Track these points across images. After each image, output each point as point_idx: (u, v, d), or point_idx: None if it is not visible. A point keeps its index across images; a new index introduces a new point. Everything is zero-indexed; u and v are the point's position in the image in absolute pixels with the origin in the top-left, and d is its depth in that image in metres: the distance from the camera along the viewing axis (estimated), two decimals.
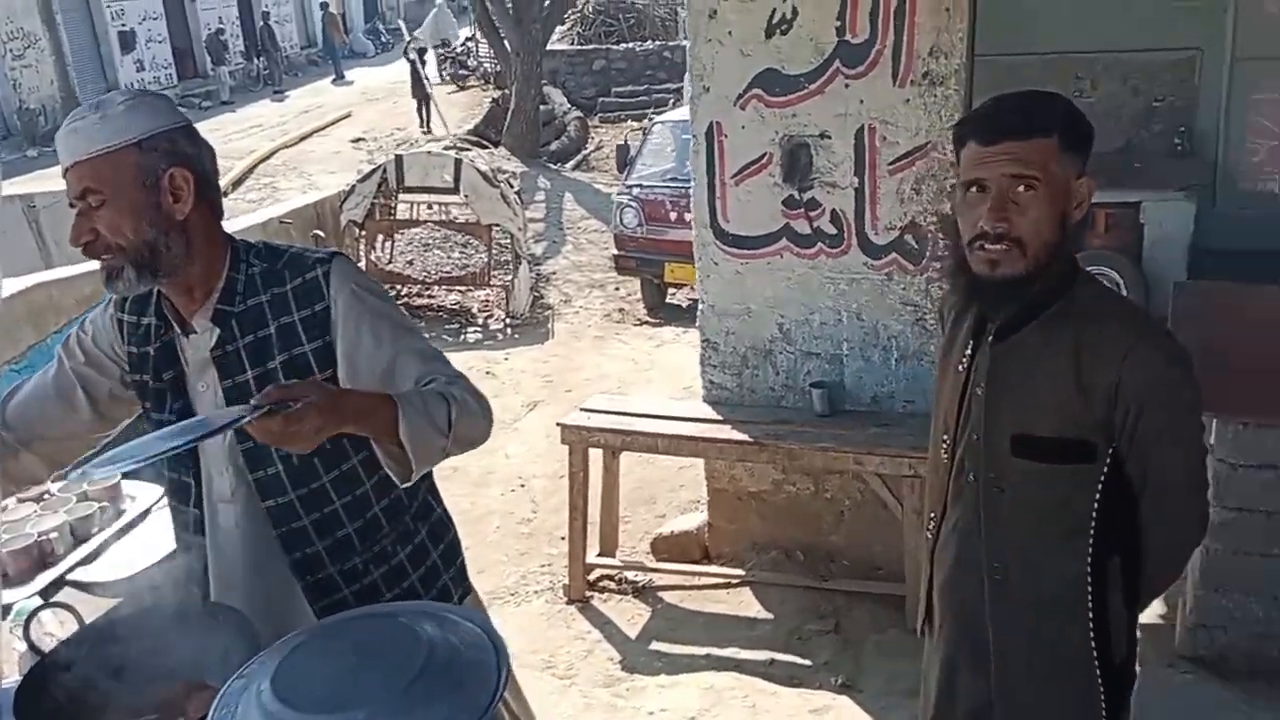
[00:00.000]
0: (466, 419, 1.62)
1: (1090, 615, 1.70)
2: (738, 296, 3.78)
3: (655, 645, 3.63)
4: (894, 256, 3.54)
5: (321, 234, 7.63)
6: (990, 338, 1.70)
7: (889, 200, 3.48)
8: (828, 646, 3.54)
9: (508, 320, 8.09)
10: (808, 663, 3.47)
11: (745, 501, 4.11)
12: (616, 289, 8.87)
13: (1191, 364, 1.64)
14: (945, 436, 1.80)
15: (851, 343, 3.71)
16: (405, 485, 1.64)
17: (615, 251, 8.28)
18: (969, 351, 1.74)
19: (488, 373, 6.84)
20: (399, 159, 8.07)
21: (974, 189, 1.61)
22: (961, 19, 3.23)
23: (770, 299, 3.75)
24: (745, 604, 3.86)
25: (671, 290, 8.27)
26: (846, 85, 3.41)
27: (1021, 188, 1.57)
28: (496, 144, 13.50)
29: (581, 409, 4.06)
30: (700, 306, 3.91)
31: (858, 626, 3.64)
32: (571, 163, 13.61)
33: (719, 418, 3.83)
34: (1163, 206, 5.96)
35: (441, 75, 18.78)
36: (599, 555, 4.12)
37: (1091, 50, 6.68)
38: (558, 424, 3.94)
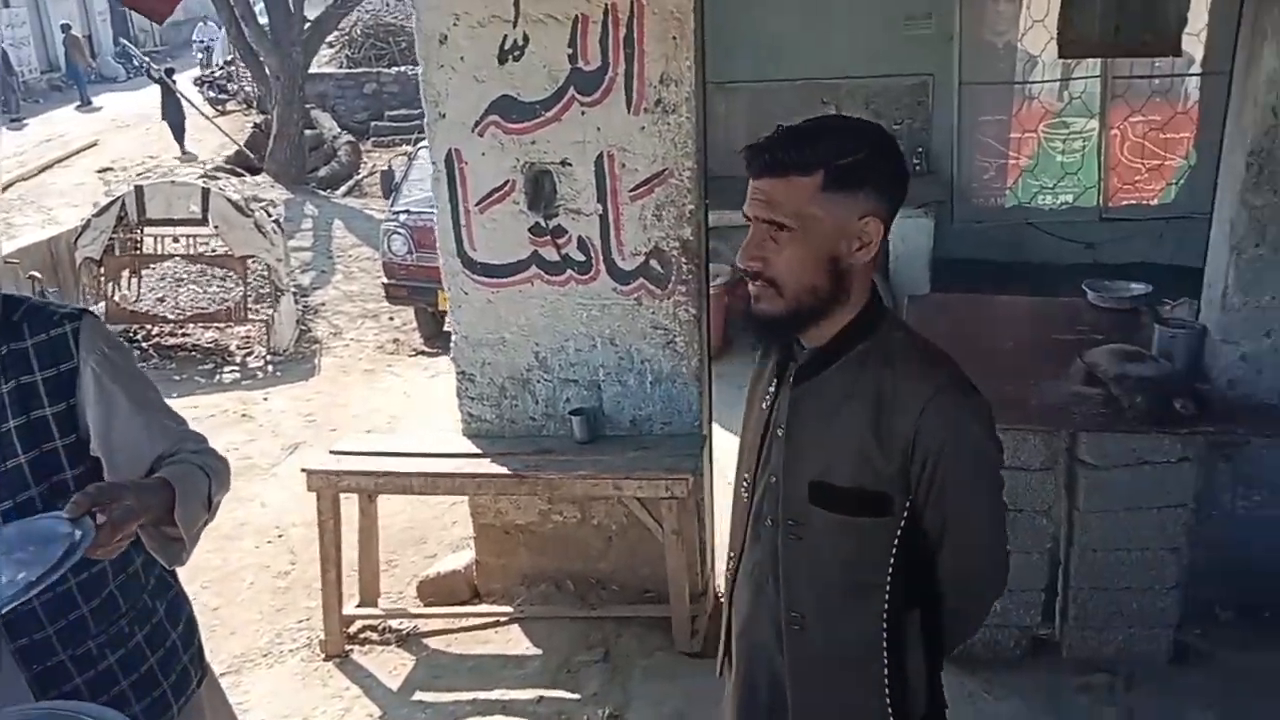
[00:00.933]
0: (221, 491, 1.61)
1: (886, 672, 1.64)
2: (491, 326, 3.70)
3: (419, 695, 3.48)
4: (641, 282, 3.55)
5: (38, 275, 6.95)
6: (791, 378, 1.63)
7: (633, 226, 3.49)
8: (596, 677, 3.50)
9: (269, 357, 7.68)
10: (576, 696, 3.41)
11: (513, 535, 4.02)
12: (391, 319, 8.60)
13: (992, 418, 1.59)
14: (746, 475, 1.74)
15: (608, 368, 3.69)
16: (174, 566, 1.60)
17: (385, 280, 8.03)
18: (772, 389, 1.67)
19: (244, 415, 6.45)
20: (139, 190, 7.52)
21: (748, 220, 1.57)
22: (689, 48, 3.28)
23: (524, 327, 3.69)
24: (514, 642, 3.76)
25: (447, 318, 8.09)
26: (583, 112, 3.39)
27: (774, 229, 1.51)
28: (259, 170, 12.87)
29: (331, 451, 3.85)
30: (454, 337, 3.80)
31: (626, 653, 3.62)
32: (343, 188, 13.15)
33: (479, 451, 3.72)
34: (905, 223, 6.31)
35: (203, 98, 17.78)
36: (359, 605, 3.92)
37: (835, 76, 7.04)
38: (302, 469, 3.72)
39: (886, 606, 1.61)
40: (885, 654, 1.63)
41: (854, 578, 1.62)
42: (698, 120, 3.37)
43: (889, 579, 1.60)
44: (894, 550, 1.59)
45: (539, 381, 3.76)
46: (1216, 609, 3.60)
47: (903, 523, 1.58)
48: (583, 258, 3.57)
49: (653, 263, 3.53)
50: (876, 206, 1.52)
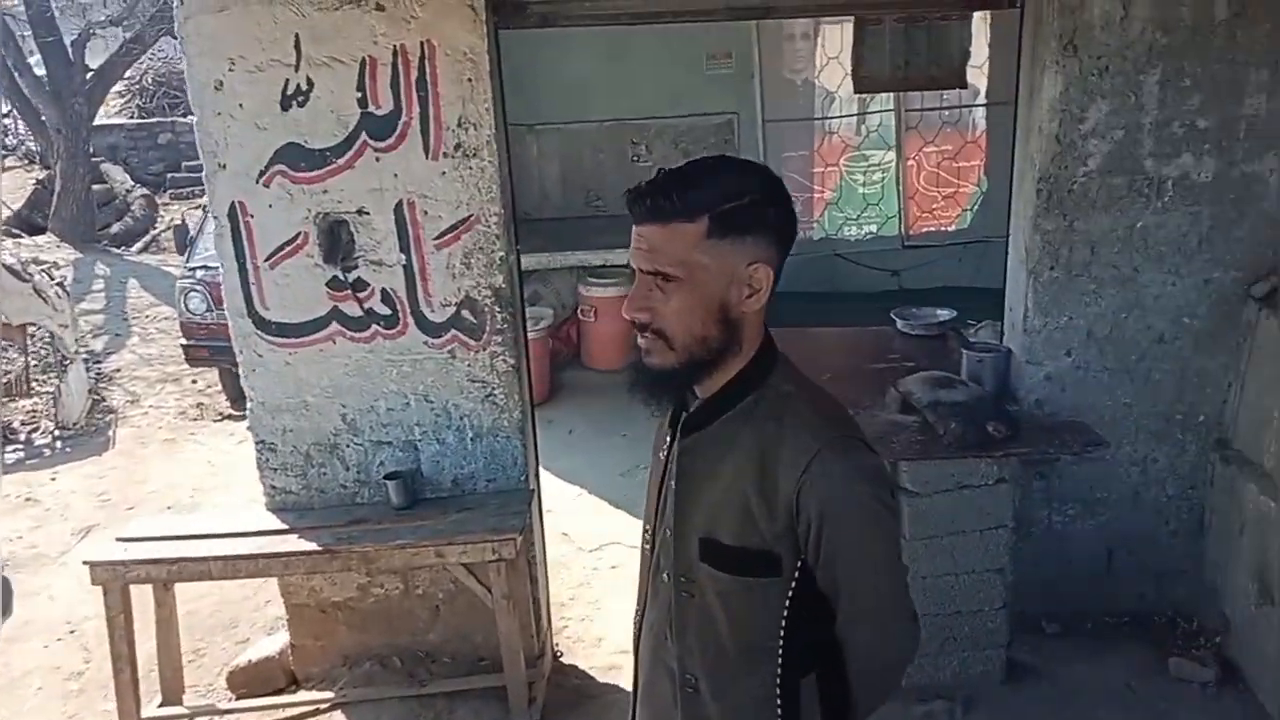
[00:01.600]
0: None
1: None
2: (291, 390, 3.42)
3: None
4: (453, 333, 3.37)
5: None
6: (681, 428, 1.56)
7: (440, 276, 3.31)
8: None
9: (58, 432, 7.00)
10: None
11: (330, 613, 3.72)
12: (193, 382, 8.01)
13: (883, 475, 1.51)
14: (647, 528, 1.67)
15: (424, 426, 3.48)
16: None
17: (184, 341, 7.47)
18: (669, 440, 1.60)
19: (29, 499, 5.84)
20: None
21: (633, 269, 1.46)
22: (486, 90, 3.15)
23: (328, 389, 3.43)
24: None
25: None
26: (378, 159, 3.20)
27: (659, 279, 1.42)
28: (44, 230, 11.90)
29: (118, 539, 3.47)
30: (249, 405, 3.50)
31: None
32: (137, 245, 12.29)
33: (285, 526, 3.42)
34: None
35: None
36: (162, 705, 3.53)
37: (643, 116, 7.07)
38: (84, 562, 3.33)
39: (780, 671, 1.53)
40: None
41: (745, 639, 1.54)
42: (501, 163, 3.24)
43: (781, 642, 1.52)
44: (785, 612, 1.51)
45: (349, 446, 3.51)
46: (1044, 624, 3.70)
47: (794, 584, 1.50)
48: (388, 311, 3.36)
49: (464, 313, 3.36)
50: (765, 252, 1.44)
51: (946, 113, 7.31)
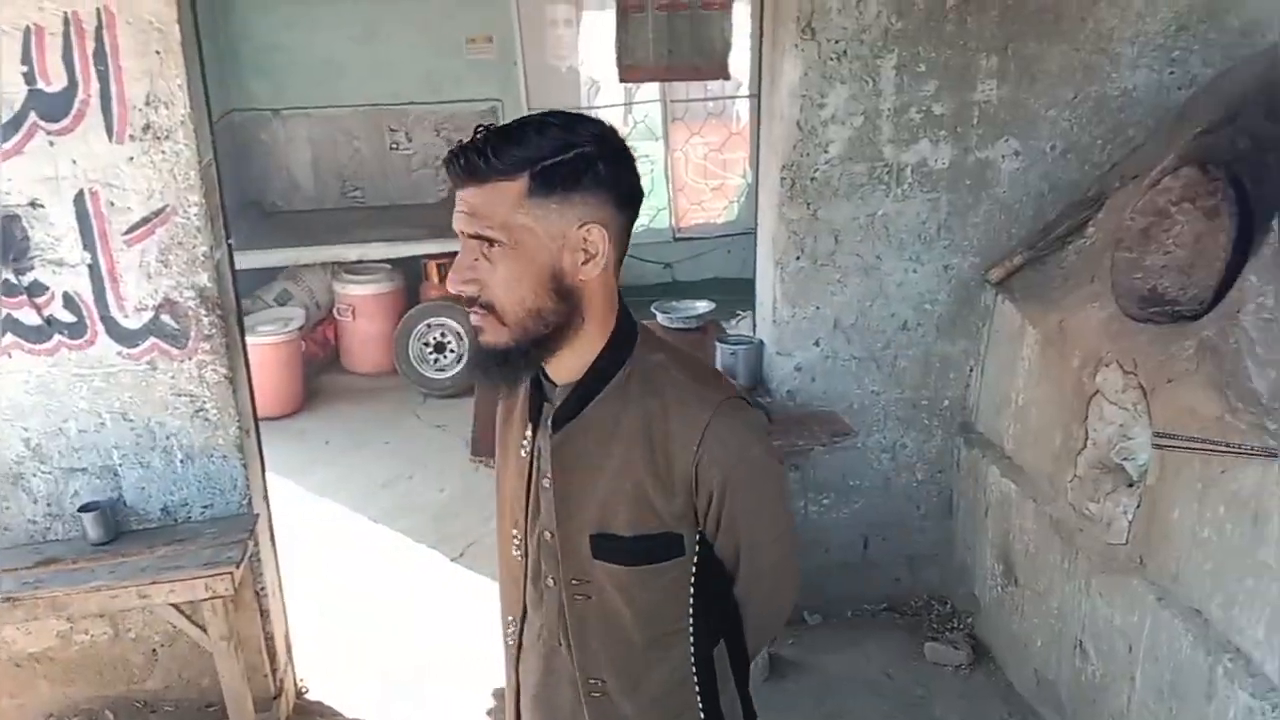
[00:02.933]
0: None
1: (701, 712, 1.52)
2: None
3: None
4: (153, 342, 2.96)
5: None
6: (549, 421, 1.44)
7: (133, 276, 2.90)
8: None
9: None
10: None
11: (27, 667, 3.24)
12: None
13: (768, 430, 1.52)
14: (515, 532, 1.54)
15: (124, 449, 3.05)
16: None
17: None
18: (529, 434, 1.48)
19: None
20: None
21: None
22: (178, 63, 2.76)
23: (6, 410, 2.95)
24: None
25: None
26: (51, 143, 2.76)
27: (484, 245, 1.30)
28: None
29: None
30: None
31: None
32: None
33: None
34: None
35: None
36: None
37: (401, 102, 6.70)
38: None
39: (693, 651, 1.50)
40: (699, 700, 1.52)
41: (655, 629, 1.48)
42: (201, 147, 2.86)
43: (691, 622, 1.48)
44: (692, 591, 1.47)
45: (35, 475, 3.04)
46: (805, 615, 3.67)
47: (695, 559, 1.46)
48: (73, 319, 2.91)
49: (164, 318, 2.95)
50: (599, 211, 1.32)
51: (711, 104, 7.33)
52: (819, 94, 3.15)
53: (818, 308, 3.37)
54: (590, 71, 7.05)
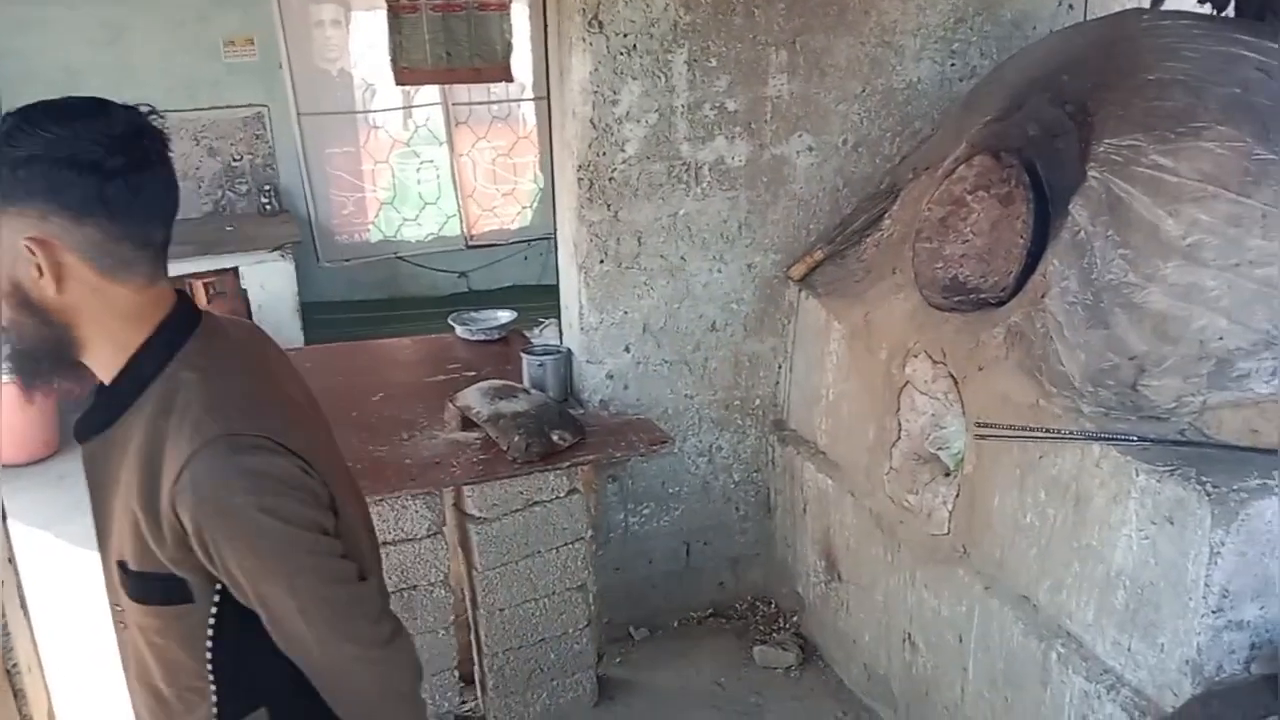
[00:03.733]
0: None
1: None
2: None
3: None
4: None
5: None
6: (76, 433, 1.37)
7: None
8: None
9: None
10: None
11: None
12: None
13: (274, 478, 1.23)
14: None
15: None
16: None
17: None
18: None
19: None
20: None
21: None
22: None
23: None
24: None
25: None
26: None
27: None
28: None
29: None
30: None
31: None
32: None
33: None
34: (262, 269, 5.65)
35: None
36: None
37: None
38: None
39: (215, 714, 1.33)
40: None
41: (177, 682, 1.34)
42: None
43: (212, 681, 1.32)
44: (209, 645, 1.30)
45: None
46: (632, 630, 3.54)
47: (214, 609, 1.29)
48: None
49: None
50: (49, 225, 1.19)
51: (495, 107, 7.10)
52: (611, 90, 3.01)
53: (625, 312, 3.24)
54: (364, 74, 6.66)
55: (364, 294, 6.87)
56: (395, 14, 6.11)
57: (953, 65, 3.33)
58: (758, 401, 3.50)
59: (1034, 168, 2.51)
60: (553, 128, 3.26)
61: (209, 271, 5.59)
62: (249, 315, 5.67)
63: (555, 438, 2.93)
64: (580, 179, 3.07)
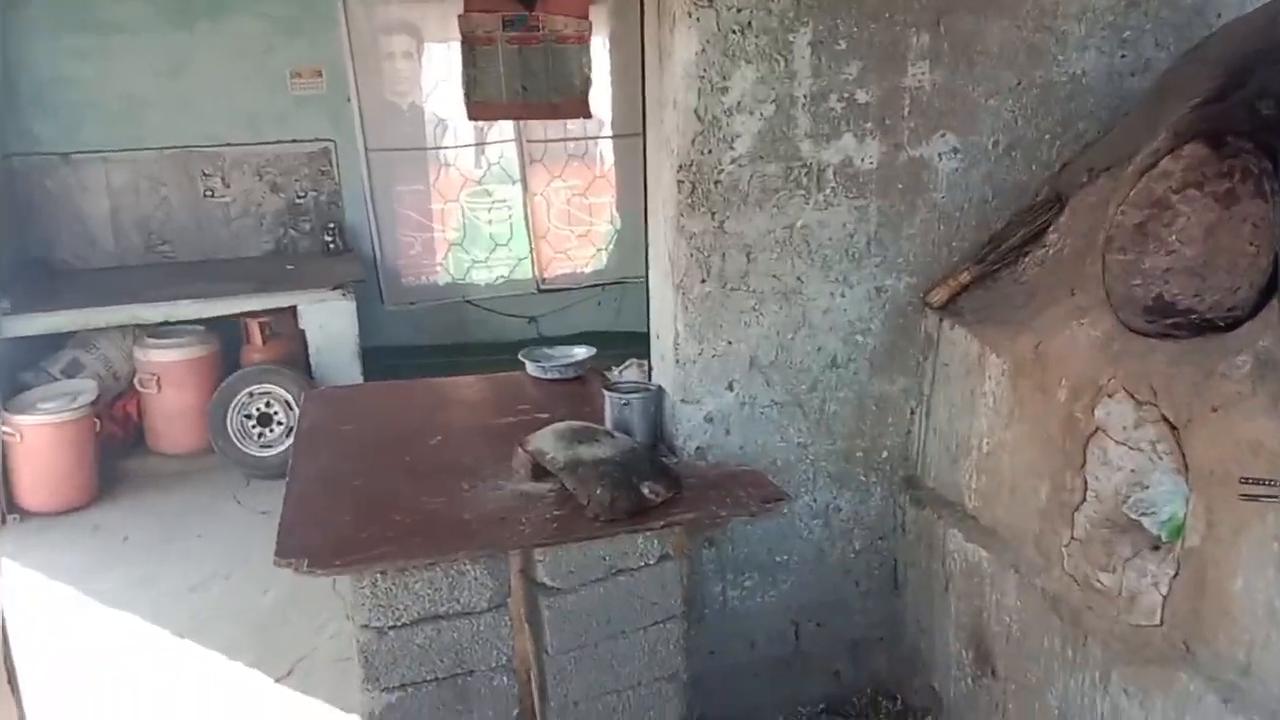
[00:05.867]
0: None
1: None
2: None
3: None
4: None
5: None
6: None
7: None
8: None
9: None
10: None
11: None
12: None
13: None
14: None
15: None
16: None
17: None
18: None
19: None
20: None
21: None
22: None
23: None
24: None
25: None
26: None
27: None
28: None
29: None
30: None
31: None
32: None
33: None
34: (321, 309, 5.25)
35: None
36: None
37: (214, 144, 5.83)
38: None
39: None
40: None
41: None
42: None
43: None
44: None
45: None
46: None
47: None
48: None
49: None
50: None
51: (572, 145, 6.71)
52: (720, 75, 2.52)
53: (730, 342, 2.71)
54: (436, 109, 6.33)
55: (429, 339, 6.45)
56: (470, 46, 5.78)
57: (1123, 57, 2.78)
58: (885, 454, 2.92)
59: (1276, 155, 1.94)
60: (647, 124, 2.77)
61: (265, 310, 5.23)
62: (305, 357, 5.27)
63: (646, 491, 2.40)
64: (681, 182, 2.57)
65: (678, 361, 2.71)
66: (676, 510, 2.39)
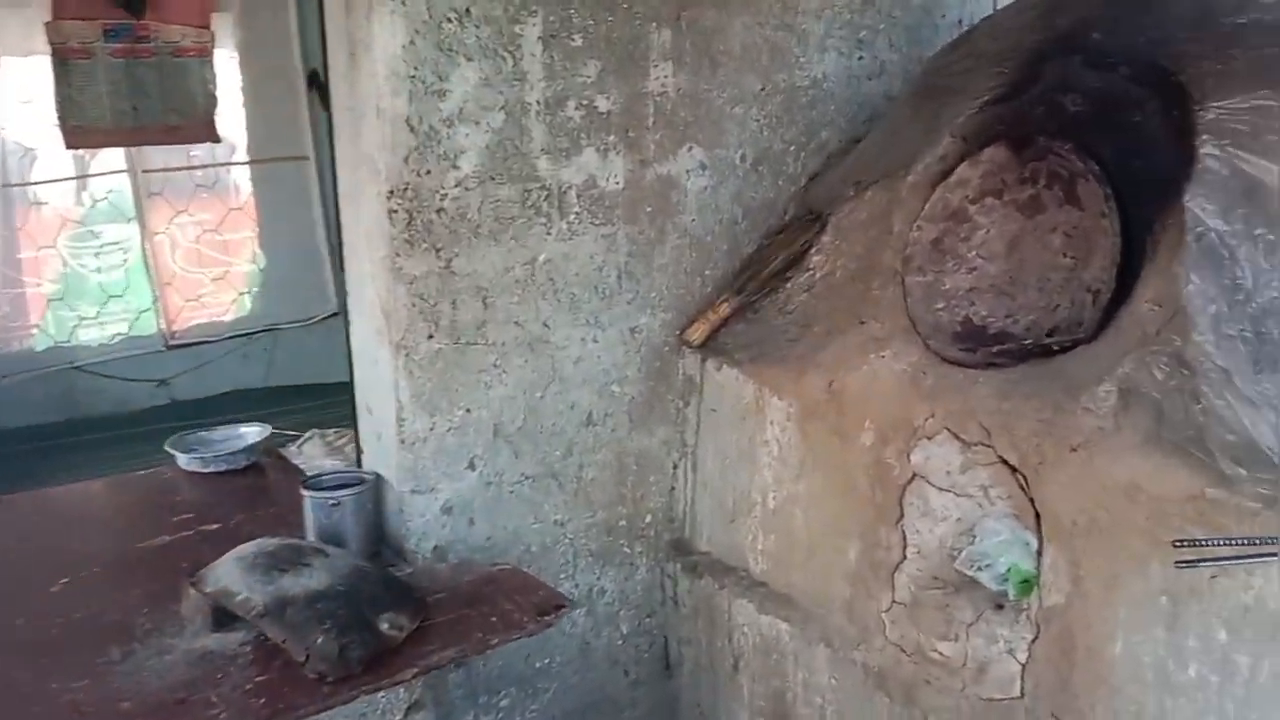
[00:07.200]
0: None
1: None
2: None
3: None
4: None
5: None
6: None
7: None
8: None
9: None
10: None
11: None
12: None
13: None
14: None
15: None
16: None
17: None
18: None
19: None
20: None
21: None
22: None
23: None
24: None
25: None
26: None
27: None
28: None
29: None
30: None
31: None
32: None
33: None
34: None
35: None
36: None
37: None
38: None
39: None
40: None
41: None
42: None
43: None
44: None
45: None
46: None
47: None
48: None
49: None
50: None
51: (200, 174, 5.74)
52: (435, 76, 1.99)
53: (468, 410, 2.17)
54: (18, 136, 5.14)
55: (30, 418, 5.18)
56: (63, 60, 4.70)
57: (860, 59, 2.58)
58: (649, 518, 2.51)
59: (1096, 155, 1.75)
60: (336, 140, 2.16)
61: None
62: None
63: (385, 627, 1.80)
64: (394, 211, 2.00)
65: (402, 441, 2.12)
66: (430, 646, 1.81)
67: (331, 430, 3.18)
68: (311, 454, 3.02)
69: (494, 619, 1.92)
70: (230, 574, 1.84)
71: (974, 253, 1.95)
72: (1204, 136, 1.62)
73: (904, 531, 1.97)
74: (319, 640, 1.72)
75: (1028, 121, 1.89)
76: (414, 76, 1.96)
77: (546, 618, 1.93)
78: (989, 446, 1.80)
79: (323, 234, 5.43)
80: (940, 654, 1.91)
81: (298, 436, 3.13)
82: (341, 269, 2.24)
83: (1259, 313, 1.52)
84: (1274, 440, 1.44)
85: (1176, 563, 1.43)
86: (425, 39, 1.96)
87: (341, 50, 2.05)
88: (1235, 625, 1.46)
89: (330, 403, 3.94)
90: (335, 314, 4.94)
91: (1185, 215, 1.59)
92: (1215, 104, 1.64)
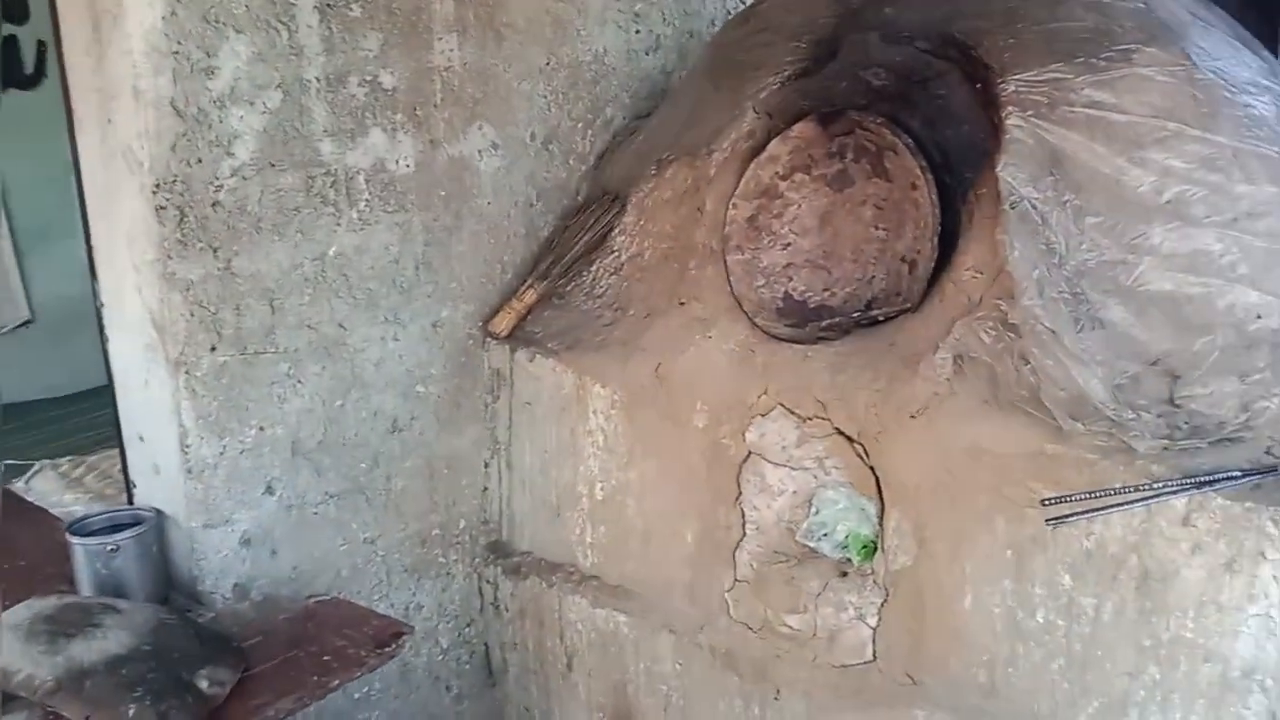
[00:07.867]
0: None
1: None
2: None
3: None
4: None
5: None
6: None
7: None
8: None
9: None
10: None
11: None
12: None
13: None
14: None
15: None
16: None
17: None
18: None
19: None
20: None
21: None
22: None
23: None
24: None
25: None
26: None
27: None
28: None
29: None
30: None
31: None
32: None
33: None
34: None
35: None
36: None
37: None
38: None
39: None
40: None
41: None
42: None
43: None
44: None
45: None
46: None
47: None
48: None
49: None
50: None
51: None
52: (202, 51, 1.73)
53: (261, 428, 1.93)
54: None
55: None
56: None
57: (637, 33, 2.52)
58: (463, 523, 2.37)
59: (908, 128, 1.80)
60: (78, 128, 1.84)
61: None
62: None
63: (205, 686, 1.57)
64: (162, 208, 1.72)
65: (189, 471, 1.85)
66: (261, 699, 1.60)
67: (64, 459, 2.80)
68: (46, 489, 2.64)
69: (326, 658, 1.73)
70: (9, 648, 1.54)
71: (787, 228, 1.96)
72: (1009, 109, 1.71)
73: (742, 510, 1.97)
74: (131, 712, 1.47)
75: (834, 96, 1.92)
76: (178, 53, 1.70)
77: (387, 649, 1.76)
78: (825, 419, 1.83)
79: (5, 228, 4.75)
80: (790, 627, 1.93)
81: (21, 468, 2.73)
82: (95, 277, 1.91)
83: (1073, 274, 1.62)
84: (1103, 393, 1.54)
85: (1047, 520, 1.51)
86: (188, 9, 1.70)
87: (81, 21, 1.74)
88: (1079, 570, 1.56)
89: (23, 425, 3.44)
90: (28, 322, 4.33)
91: (1000, 185, 1.67)
92: (1015, 76, 1.72)
